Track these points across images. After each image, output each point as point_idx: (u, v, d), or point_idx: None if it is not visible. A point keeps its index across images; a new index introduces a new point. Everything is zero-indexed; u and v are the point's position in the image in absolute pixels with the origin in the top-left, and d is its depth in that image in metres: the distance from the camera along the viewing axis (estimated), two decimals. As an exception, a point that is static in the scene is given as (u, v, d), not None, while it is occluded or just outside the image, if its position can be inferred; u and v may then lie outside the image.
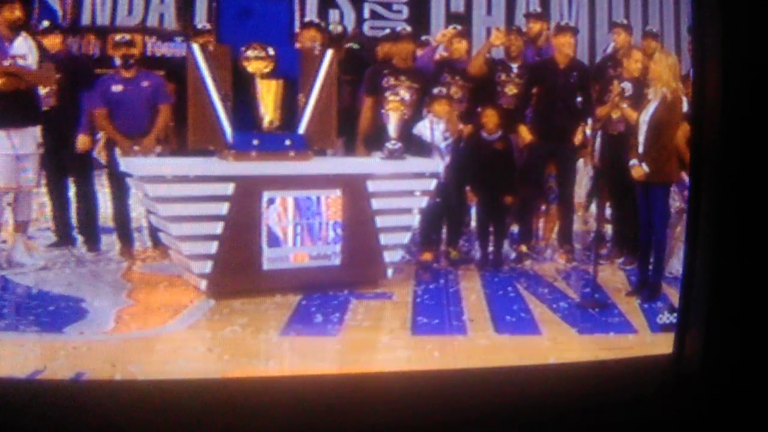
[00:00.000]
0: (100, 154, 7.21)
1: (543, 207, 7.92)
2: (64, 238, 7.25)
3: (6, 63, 6.52)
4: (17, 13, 6.60)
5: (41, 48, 6.76)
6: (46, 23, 7.45)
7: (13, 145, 6.60)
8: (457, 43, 7.68)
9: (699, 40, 5.03)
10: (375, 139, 7.22)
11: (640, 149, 6.60)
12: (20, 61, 6.58)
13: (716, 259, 4.79)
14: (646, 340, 5.93)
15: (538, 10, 8.38)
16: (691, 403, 4.79)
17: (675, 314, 5.57)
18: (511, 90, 7.64)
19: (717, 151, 4.80)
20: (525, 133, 7.49)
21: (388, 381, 5.22)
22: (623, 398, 4.89)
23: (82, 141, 7.13)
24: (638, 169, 6.58)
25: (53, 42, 7.21)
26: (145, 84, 7.12)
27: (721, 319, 4.77)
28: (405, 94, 7.17)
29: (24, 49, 6.61)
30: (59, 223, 7.27)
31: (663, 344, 5.35)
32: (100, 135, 7.13)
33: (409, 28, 7.81)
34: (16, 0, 6.62)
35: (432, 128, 7.28)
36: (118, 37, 7.18)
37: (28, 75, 6.62)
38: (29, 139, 6.69)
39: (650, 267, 6.70)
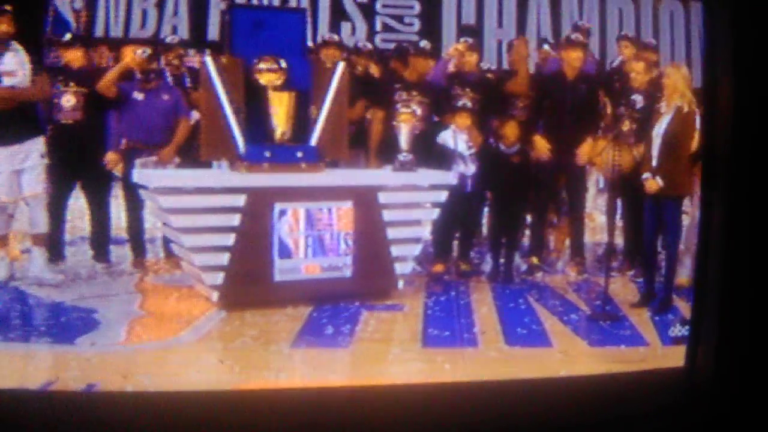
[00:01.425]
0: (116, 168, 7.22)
1: (554, 219, 7.91)
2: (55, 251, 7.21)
3: None
4: (4, 27, 6.49)
5: (33, 60, 6.64)
6: (68, 36, 7.45)
7: (14, 159, 6.56)
8: (468, 56, 7.71)
9: (710, 53, 5.04)
10: (386, 152, 7.22)
11: (654, 162, 6.59)
12: (9, 79, 6.49)
13: (728, 272, 4.79)
14: (658, 353, 5.90)
15: (586, 24, 8.39)
16: (704, 416, 4.78)
17: (687, 327, 5.57)
18: (522, 101, 7.66)
19: (729, 163, 4.81)
20: (541, 144, 7.47)
21: (399, 393, 5.23)
22: (636, 411, 4.89)
23: (111, 159, 7.14)
24: (652, 182, 6.56)
25: (75, 55, 7.21)
26: (165, 97, 7.17)
27: (733, 332, 4.76)
28: (416, 107, 7.18)
29: (13, 64, 6.51)
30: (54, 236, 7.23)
31: (674, 357, 5.34)
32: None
33: (422, 43, 7.81)
34: (3, 14, 6.50)
35: (455, 138, 7.31)
36: (139, 51, 7.18)
37: (20, 94, 6.55)
38: (32, 151, 6.64)
39: (661, 280, 6.69)
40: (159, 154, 7.09)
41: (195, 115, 7.16)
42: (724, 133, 4.85)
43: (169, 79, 7.33)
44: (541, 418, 4.79)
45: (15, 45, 6.55)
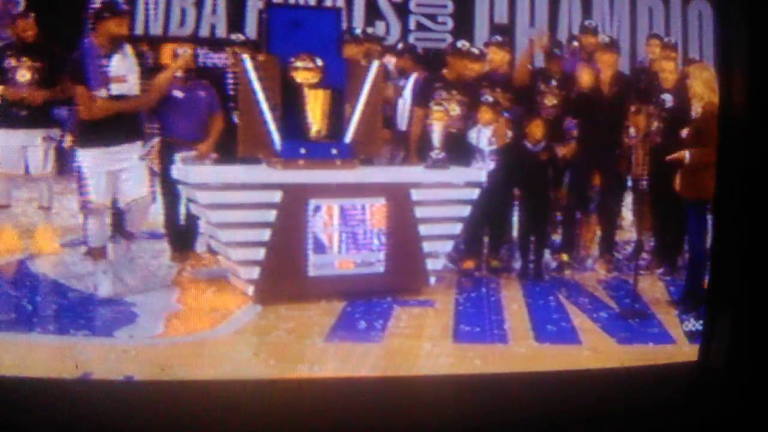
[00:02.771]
0: (153, 162, 7.29)
1: (584, 217, 7.94)
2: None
3: (103, 93, 6.30)
4: (124, 29, 6.39)
5: (143, 64, 6.54)
6: None
7: (111, 160, 6.46)
8: (495, 54, 7.77)
9: (724, 53, 5.08)
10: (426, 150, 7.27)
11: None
12: (117, 86, 6.35)
13: (741, 269, 4.84)
14: (685, 350, 5.92)
15: (593, 23, 8.41)
16: (715, 408, 4.85)
17: (700, 322, 5.64)
18: (550, 101, 7.68)
19: (743, 160, 4.86)
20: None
21: (429, 384, 5.31)
22: (648, 403, 4.95)
23: None
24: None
25: None
26: (201, 94, 7.20)
27: (745, 327, 4.82)
28: (451, 106, 7.25)
29: (123, 69, 6.36)
30: None
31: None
32: (154, 143, 7.21)
33: (461, 43, 7.84)
34: (124, 14, 6.44)
35: (479, 134, 7.37)
36: (180, 50, 7.26)
37: (128, 105, 6.43)
38: (131, 153, 6.54)
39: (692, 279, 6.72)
40: (198, 149, 7.18)
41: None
42: (738, 126, 4.89)
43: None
44: (554, 409, 4.85)
45: (126, 48, 6.44)
